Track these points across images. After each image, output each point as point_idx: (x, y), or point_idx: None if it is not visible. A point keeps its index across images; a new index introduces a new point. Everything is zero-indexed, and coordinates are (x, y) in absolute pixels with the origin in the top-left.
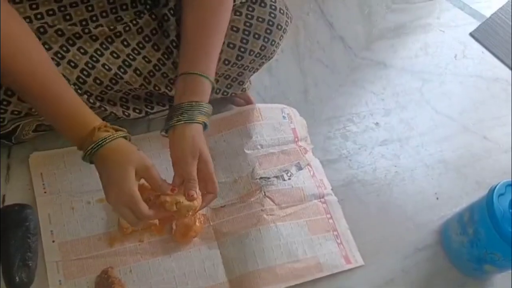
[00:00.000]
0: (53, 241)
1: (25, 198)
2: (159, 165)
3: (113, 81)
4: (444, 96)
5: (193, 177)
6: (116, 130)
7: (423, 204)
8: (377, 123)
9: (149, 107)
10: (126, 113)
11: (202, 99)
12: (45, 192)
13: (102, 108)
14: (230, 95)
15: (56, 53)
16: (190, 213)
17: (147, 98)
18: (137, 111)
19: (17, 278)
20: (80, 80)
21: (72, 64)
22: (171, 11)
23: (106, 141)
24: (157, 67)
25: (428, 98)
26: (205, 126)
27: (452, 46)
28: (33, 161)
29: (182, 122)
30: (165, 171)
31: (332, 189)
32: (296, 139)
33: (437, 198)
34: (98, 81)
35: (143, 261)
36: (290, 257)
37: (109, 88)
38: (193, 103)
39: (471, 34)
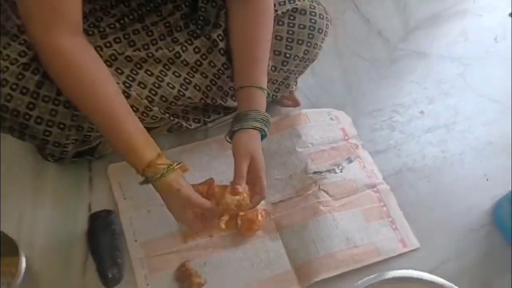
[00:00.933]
0: (136, 241)
1: (109, 204)
2: (218, 167)
3: (177, 98)
4: (486, 80)
5: (241, 174)
6: (168, 165)
7: (473, 186)
8: (422, 112)
9: (206, 116)
10: (188, 124)
11: (258, 108)
12: (124, 198)
13: (171, 119)
14: (279, 98)
15: (127, 77)
16: (236, 208)
17: (205, 108)
18: (196, 121)
19: (110, 274)
20: (149, 98)
21: (142, 86)
22: (224, 32)
23: (152, 180)
24: (213, 82)
25: (471, 82)
26: (263, 133)
27: (491, 29)
28: (111, 171)
29: (237, 129)
30: (224, 172)
31: (383, 178)
32: (346, 137)
33: (487, 179)
34: (164, 99)
35: (215, 254)
36: (348, 244)
37: (173, 104)
38: (249, 112)
39: (511, 15)
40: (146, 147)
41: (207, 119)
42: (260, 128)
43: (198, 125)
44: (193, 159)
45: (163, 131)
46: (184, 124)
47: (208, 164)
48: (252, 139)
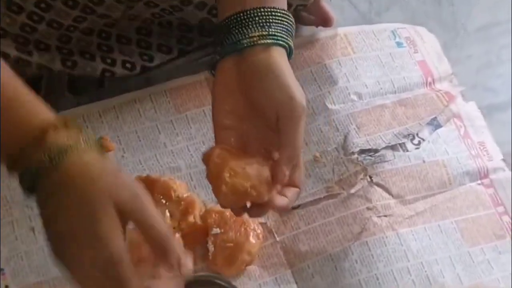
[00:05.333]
0: (7, 287)
1: None
2: (172, 142)
3: (79, 19)
4: None
5: (299, 150)
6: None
7: None
8: None
9: (146, 57)
10: (110, 71)
11: (278, 4)
12: None
13: (69, 64)
14: (295, 9)
15: None
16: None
17: (143, 40)
18: (128, 65)
19: None
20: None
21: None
22: None
23: (44, 168)
24: None
25: None
26: (289, 51)
27: None
28: None
29: (258, 43)
30: (183, 153)
31: (504, 159)
32: (429, 79)
33: None
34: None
35: None
36: None
37: (71, 29)
38: (258, 10)
39: None
40: (35, 106)
41: (147, 63)
42: (286, 42)
43: (130, 73)
44: (121, 129)
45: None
46: (99, 71)
47: (151, 139)
48: (288, 64)
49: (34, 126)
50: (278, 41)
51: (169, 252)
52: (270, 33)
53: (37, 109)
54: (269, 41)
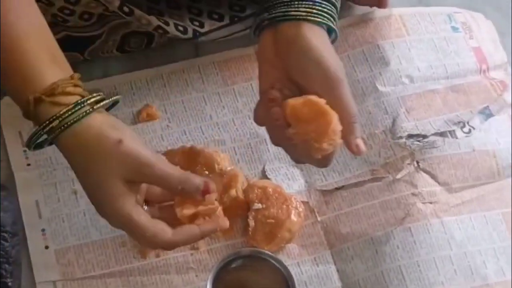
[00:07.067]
0: (47, 247)
1: None
2: (218, 114)
3: None
4: None
5: (355, 113)
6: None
7: None
8: None
9: (197, 23)
10: (163, 29)
11: None
12: (28, 165)
13: (126, 10)
14: None
15: None
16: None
17: (193, 6)
18: (180, 28)
19: None
20: None
21: None
22: None
23: (68, 123)
24: None
25: None
26: (331, 33)
27: None
28: (6, 112)
29: (291, 18)
30: (229, 126)
31: None
32: (484, 66)
33: None
34: None
35: (199, 284)
36: (471, 278)
37: None
38: None
39: None
40: (51, 64)
41: (198, 29)
42: (332, 28)
43: (183, 36)
44: (167, 98)
45: (110, 49)
46: (155, 24)
47: (197, 110)
48: (313, 35)
49: (46, 80)
50: (322, 21)
51: (189, 193)
52: (317, 11)
53: (52, 65)
54: (317, 19)
